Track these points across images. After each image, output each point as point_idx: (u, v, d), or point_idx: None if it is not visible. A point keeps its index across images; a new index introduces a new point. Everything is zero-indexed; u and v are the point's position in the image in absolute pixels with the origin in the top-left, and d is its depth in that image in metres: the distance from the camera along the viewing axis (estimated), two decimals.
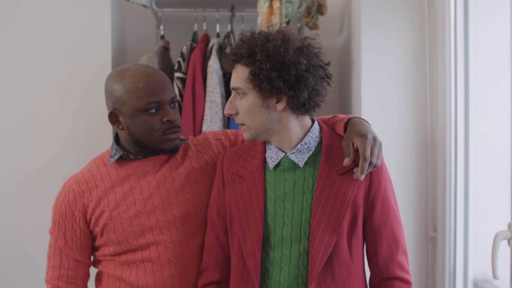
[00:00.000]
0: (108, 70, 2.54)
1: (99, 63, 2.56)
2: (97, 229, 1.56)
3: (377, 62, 2.29)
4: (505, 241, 1.61)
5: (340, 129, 1.51)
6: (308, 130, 1.49)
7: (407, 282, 1.48)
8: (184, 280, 1.56)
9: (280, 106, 1.44)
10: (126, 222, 1.53)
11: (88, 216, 1.56)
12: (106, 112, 1.57)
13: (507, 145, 1.89)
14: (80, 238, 1.57)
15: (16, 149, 2.57)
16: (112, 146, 1.61)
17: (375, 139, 1.43)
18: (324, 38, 3.14)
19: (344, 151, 1.44)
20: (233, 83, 1.45)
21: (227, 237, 1.54)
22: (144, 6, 2.60)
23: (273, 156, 1.50)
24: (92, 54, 2.57)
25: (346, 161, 1.42)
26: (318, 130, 1.51)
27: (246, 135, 1.48)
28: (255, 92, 1.42)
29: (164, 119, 1.52)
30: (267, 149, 1.52)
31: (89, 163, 1.64)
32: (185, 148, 1.64)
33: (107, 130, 2.51)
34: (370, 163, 1.40)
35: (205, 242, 1.58)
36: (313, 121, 1.52)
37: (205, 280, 1.56)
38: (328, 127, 1.55)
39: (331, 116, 1.64)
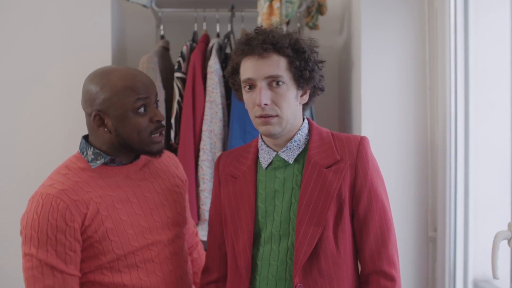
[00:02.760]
0: None
1: (99, 63, 2.52)
2: (97, 235, 1.47)
3: (377, 62, 2.29)
4: (505, 241, 1.61)
5: None
6: (299, 128, 1.51)
7: (392, 279, 1.45)
8: (178, 276, 1.60)
9: (304, 99, 1.50)
10: (128, 224, 1.51)
11: (86, 223, 1.46)
12: None
13: (507, 145, 1.89)
14: (75, 251, 1.45)
15: (16, 149, 2.57)
16: (85, 151, 1.54)
17: None
18: (324, 38, 3.15)
19: None
20: (271, 71, 1.41)
21: (223, 237, 1.58)
22: (144, 6, 2.60)
23: (265, 156, 1.52)
24: (92, 54, 2.57)
25: None
26: (307, 128, 1.54)
27: (275, 129, 1.44)
28: (292, 82, 1.44)
29: (154, 119, 1.52)
30: (259, 149, 1.55)
31: (60, 171, 1.53)
32: None
33: None
34: None
35: (207, 243, 1.64)
36: (303, 119, 1.55)
37: (204, 280, 1.63)
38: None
39: None
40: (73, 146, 2.45)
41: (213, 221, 1.61)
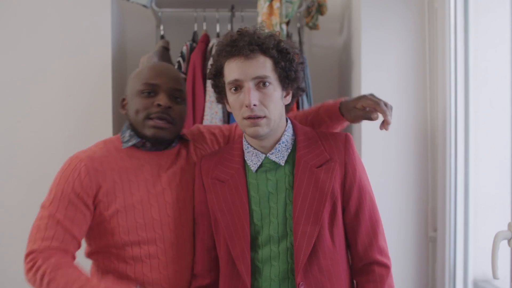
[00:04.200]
0: (108, 70, 2.54)
1: (99, 63, 2.56)
2: (107, 214, 1.51)
3: (377, 62, 2.29)
4: (505, 241, 1.61)
5: (336, 115, 1.60)
6: (284, 129, 1.51)
7: (387, 266, 1.51)
8: (185, 278, 1.59)
9: (287, 99, 1.51)
10: (139, 213, 1.53)
11: (99, 197, 1.51)
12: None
13: (507, 145, 1.89)
14: (84, 214, 1.50)
15: (16, 148, 2.57)
16: (123, 132, 1.62)
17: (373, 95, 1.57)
18: (324, 38, 3.14)
19: (365, 115, 1.56)
20: (258, 72, 1.42)
21: (212, 241, 1.56)
22: (144, 6, 2.60)
23: (253, 159, 1.51)
24: (92, 54, 2.57)
25: (388, 119, 1.55)
26: (292, 128, 1.54)
27: (263, 130, 1.43)
28: (278, 82, 1.46)
29: (156, 103, 1.55)
30: (245, 152, 1.53)
31: (98, 144, 1.62)
32: (187, 144, 1.68)
33: (107, 130, 2.51)
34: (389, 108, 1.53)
35: (195, 248, 1.61)
36: (286, 120, 1.55)
37: (195, 285, 1.60)
38: (308, 123, 1.60)
39: (302, 111, 1.70)
40: (73, 145, 2.47)
41: (199, 226, 1.58)
